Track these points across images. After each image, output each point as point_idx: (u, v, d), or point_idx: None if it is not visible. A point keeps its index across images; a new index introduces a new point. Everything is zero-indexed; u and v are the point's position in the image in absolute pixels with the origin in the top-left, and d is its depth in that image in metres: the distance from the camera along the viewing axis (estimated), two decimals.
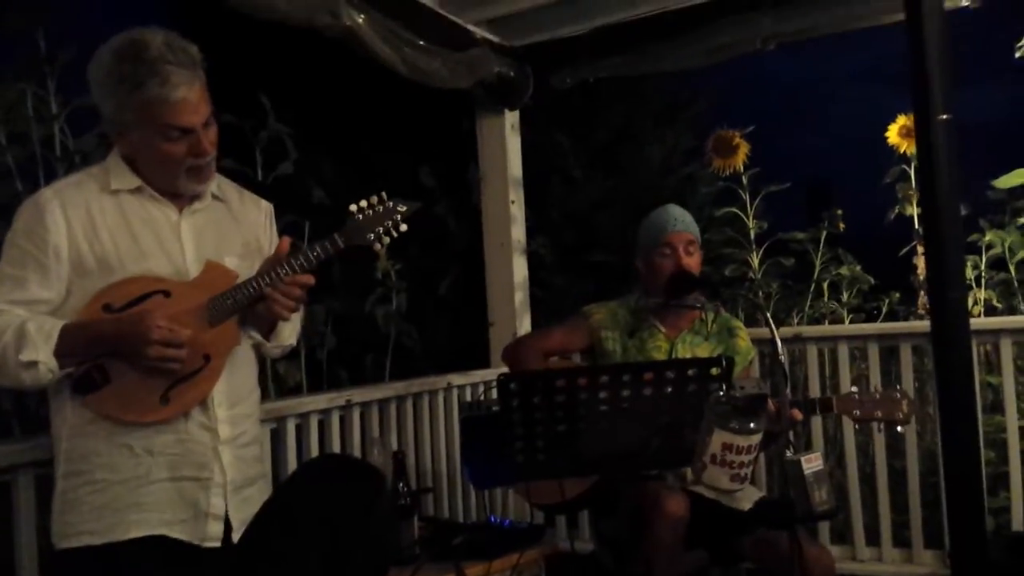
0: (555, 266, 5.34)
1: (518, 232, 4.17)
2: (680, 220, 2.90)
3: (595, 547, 2.95)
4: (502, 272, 4.13)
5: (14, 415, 2.72)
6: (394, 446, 3.38)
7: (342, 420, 3.22)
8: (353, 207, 2.02)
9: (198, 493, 1.96)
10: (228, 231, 2.11)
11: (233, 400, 2.03)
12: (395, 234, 2.05)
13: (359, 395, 3.30)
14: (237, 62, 5.04)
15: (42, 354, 1.82)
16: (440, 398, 3.70)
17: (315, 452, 3.05)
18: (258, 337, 2.13)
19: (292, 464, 2.96)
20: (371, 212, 2.02)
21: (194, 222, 2.05)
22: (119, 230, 1.95)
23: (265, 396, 3.39)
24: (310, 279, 1.99)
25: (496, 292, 4.15)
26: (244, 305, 1.97)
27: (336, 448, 3.14)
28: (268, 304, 1.97)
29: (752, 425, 1.91)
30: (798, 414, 2.62)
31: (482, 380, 3.88)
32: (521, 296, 4.14)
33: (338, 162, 5.06)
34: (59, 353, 1.84)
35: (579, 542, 3.42)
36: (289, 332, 2.22)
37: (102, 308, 1.89)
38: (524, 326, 4.12)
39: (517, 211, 4.17)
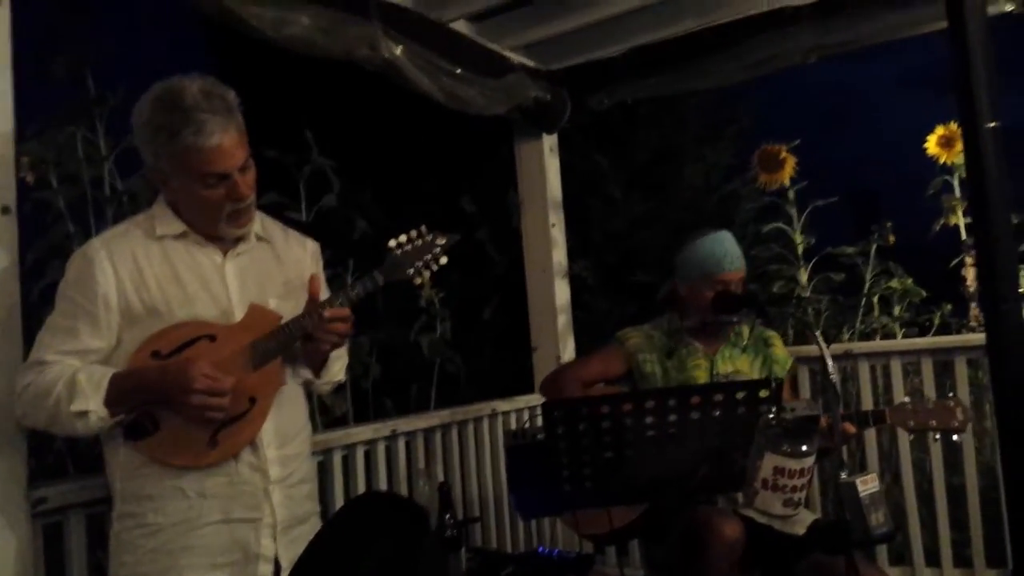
0: (597, 288, 5.31)
1: (559, 255, 4.16)
2: (737, 257, 2.86)
3: (646, 574, 2.91)
4: (544, 296, 4.12)
5: (67, 454, 2.77)
6: (440, 475, 3.38)
7: (388, 450, 3.22)
8: (392, 242, 2.04)
9: (248, 534, 1.97)
10: (272, 272, 2.13)
11: (282, 440, 2.04)
12: (435, 267, 2.06)
13: (404, 424, 3.30)
14: (279, 98, 5.14)
15: (92, 403, 1.86)
16: (485, 425, 3.69)
17: (361, 483, 3.06)
18: (309, 375, 2.14)
19: (339, 496, 2.96)
20: (410, 247, 2.03)
21: (238, 264, 2.07)
22: (166, 277, 1.99)
23: (312, 427, 3.42)
24: (347, 311, 2.00)
25: (538, 316, 4.13)
26: (288, 344, 1.99)
27: (383, 479, 3.15)
28: (315, 343, 2.00)
29: (804, 448, 1.87)
30: (851, 428, 2.57)
31: (526, 406, 3.86)
32: (564, 320, 4.12)
33: (380, 193, 5.10)
34: (109, 402, 1.88)
35: (629, 568, 3.38)
36: (339, 368, 2.24)
37: (151, 355, 1.93)
38: (567, 350, 4.10)
39: (558, 234, 4.16)
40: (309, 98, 5.14)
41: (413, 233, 2.05)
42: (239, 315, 2.01)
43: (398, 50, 3.11)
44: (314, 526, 2.13)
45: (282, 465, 2.03)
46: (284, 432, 2.05)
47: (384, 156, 5.67)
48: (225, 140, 1.91)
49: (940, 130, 3.83)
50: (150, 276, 1.98)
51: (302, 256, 2.23)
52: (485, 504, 3.61)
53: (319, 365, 2.15)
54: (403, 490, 3.18)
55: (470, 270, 5.19)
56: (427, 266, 2.05)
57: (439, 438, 3.46)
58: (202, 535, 1.93)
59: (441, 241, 2.05)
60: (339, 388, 3.76)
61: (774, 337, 3.00)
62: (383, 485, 3.15)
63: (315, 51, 2.82)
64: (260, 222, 2.15)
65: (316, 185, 3.62)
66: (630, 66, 3.83)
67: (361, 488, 3.05)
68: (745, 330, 2.94)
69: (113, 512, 1.99)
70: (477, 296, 5.21)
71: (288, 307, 2.05)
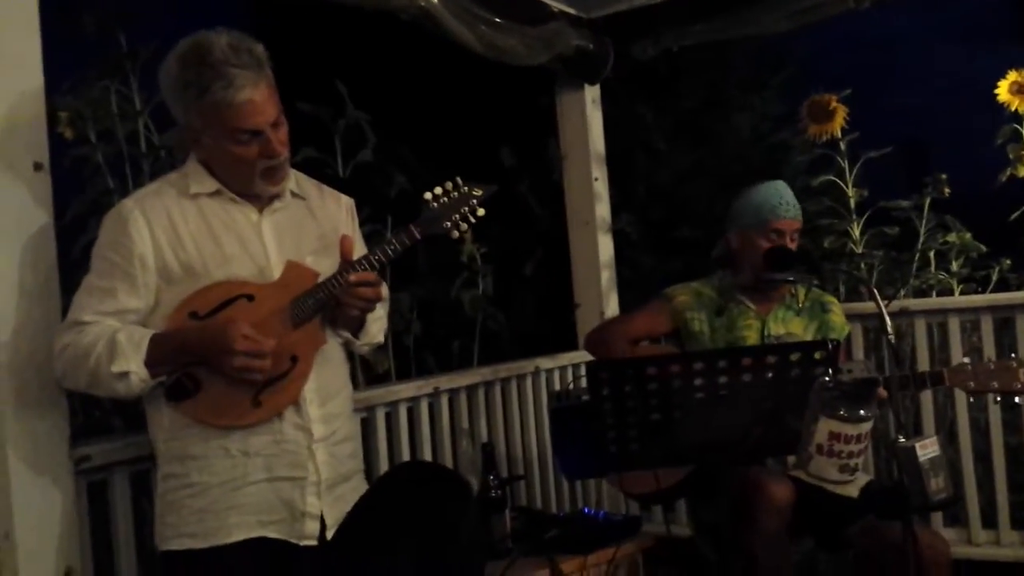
0: (642, 244, 5.20)
1: (602, 210, 4.07)
2: (793, 206, 2.77)
3: (694, 534, 2.86)
4: (587, 252, 4.04)
5: (114, 412, 2.77)
6: (483, 433, 3.35)
7: (431, 407, 3.19)
8: (428, 195, 1.98)
9: (293, 492, 1.96)
10: (308, 228, 2.09)
11: (324, 398, 2.01)
12: (473, 220, 2.00)
13: (446, 382, 3.27)
14: (313, 50, 5.06)
15: (133, 364, 1.84)
16: (528, 382, 3.64)
17: (405, 441, 3.04)
18: (347, 335, 2.11)
19: (383, 453, 2.95)
20: (446, 199, 1.98)
21: (275, 221, 2.03)
22: (202, 235, 1.95)
23: (354, 384, 3.40)
24: (372, 276, 1.96)
25: (581, 273, 4.06)
26: (326, 303, 1.95)
27: (426, 437, 3.13)
28: (343, 308, 1.96)
29: (862, 412, 1.80)
30: (884, 392, 2.46)
31: (570, 363, 3.82)
32: (608, 276, 4.05)
33: (417, 147, 5.02)
34: (149, 362, 1.85)
35: (676, 526, 3.34)
36: (377, 329, 2.20)
37: (188, 315, 1.90)
38: (611, 307, 4.03)
39: (601, 188, 4.07)
40: (343, 50, 5.05)
41: (449, 185, 1.99)
42: (277, 273, 1.97)
43: None
44: (357, 484, 2.12)
45: (325, 423, 2.01)
46: (326, 390, 2.02)
47: (421, 109, 5.58)
48: (256, 95, 1.86)
49: (1013, 75, 3.64)
50: (186, 235, 1.94)
51: (338, 212, 2.18)
52: (529, 462, 3.58)
53: (356, 327, 2.11)
54: (446, 448, 3.17)
55: (511, 224, 5.11)
56: (464, 219, 1.99)
57: (482, 396, 3.42)
58: (248, 493, 1.92)
59: (478, 192, 1.99)
60: (381, 345, 3.77)
61: (833, 303, 2.89)
62: (426, 443, 3.13)
63: (348, 1, 2.74)
64: (295, 179, 2.10)
65: (352, 140, 3.55)
66: (675, 13, 3.70)
67: (405, 446, 3.04)
68: (801, 292, 2.83)
69: (157, 473, 1.99)
70: (518, 251, 5.14)
71: (325, 264, 2.01)
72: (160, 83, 1.95)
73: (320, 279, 1.96)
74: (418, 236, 1.97)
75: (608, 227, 4.10)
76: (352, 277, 1.93)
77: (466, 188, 1.99)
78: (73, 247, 2.57)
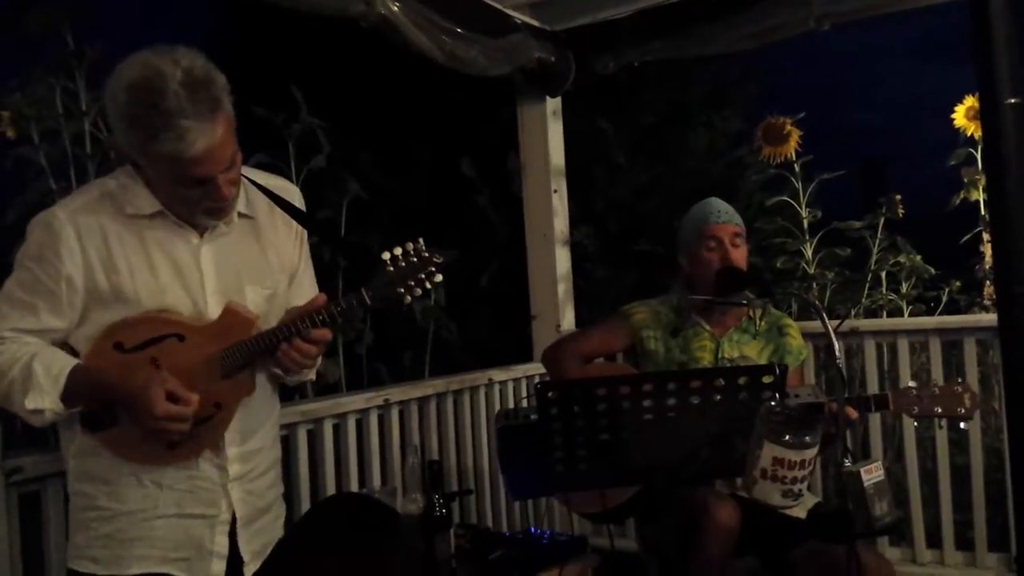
0: (599, 256, 5.22)
1: (560, 222, 4.06)
2: (724, 211, 2.79)
3: (641, 553, 2.85)
4: (544, 263, 4.03)
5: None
6: (434, 446, 3.32)
7: (380, 419, 3.15)
8: (386, 255, 1.85)
9: (203, 531, 1.89)
10: (252, 256, 1.98)
11: (246, 436, 1.94)
12: (428, 286, 1.88)
13: (397, 394, 3.23)
14: (269, 54, 5.01)
15: (48, 401, 1.76)
16: (481, 394, 3.62)
17: (353, 454, 2.99)
18: (278, 372, 2.02)
19: (330, 468, 2.90)
20: (404, 264, 1.85)
21: (216, 248, 1.92)
22: (137, 261, 1.85)
23: (303, 394, 3.35)
24: (327, 335, 1.87)
25: (538, 284, 4.05)
26: (258, 357, 1.87)
27: (375, 450, 3.09)
28: (280, 360, 1.88)
29: (807, 438, 1.79)
30: (853, 412, 2.48)
31: (524, 375, 3.80)
32: (564, 288, 4.04)
33: (376, 155, 4.98)
34: (66, 396, 1.77)
35: (625, 540, 3.33)
36: (310, 368, 2.08)
37: (113, 346, 1.81)
38: (567, 319, 4.02)
39: (559, 201, 4.06)
40: (300, 55, 5.00)
41: (410, 246, 1.86)
42: (212, 306, 1.88)
43: (395, 7, 2.99)
44: (277, 512, 2.06)
45: (243, 461, 1.94)
46: (249, 428, 1.95)
47: (380, 117, 5.54)
48: (210, 143, 1.71)
49: (970, 100, 3.69)
50: (120, 259, 1.83)
51: (286, 236, 2.05)
52: (480, 476, 3.56)
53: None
54: (395, 463, 3.12)
55: (469, 235, 5.09)
56: (420, 285, 1.87)
57: (434, 407, 3.39)
58: (156, 527, 1.86)
59: (438, 260, 1.87)
60: (332, 353, 3.72)
61: (791, 326, 2.88)
62: (375, 457, 3.09)
63: (306, 6, 2.71)
64: (245, 196, 1.97)
65: (307, 145, 3.51)
66: (637, 28, 3.70)
67: (353, 461, 3.00)
68: (758, 314, 2.84)
69: (69, 487, 1.92)
70: (475, 262, 5.12)
71: (264, 296, 1.94)
72: (105, 100, 1.79)
73: (256, 330, 1.87)
74: (368, 302, 1.87)
75: (566, 239, 4.09)
76: (313, 334, 1.84)
77: (427, 253, 1.86)
78: (13, 250, 2.50)
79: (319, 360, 2.04)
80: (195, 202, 1.82)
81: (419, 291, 1.88)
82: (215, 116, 1.72)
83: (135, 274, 1.84)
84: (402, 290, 1.86)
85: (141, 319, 1.82)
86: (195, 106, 1.68)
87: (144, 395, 1.74)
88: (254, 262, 1.97)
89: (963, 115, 3.74)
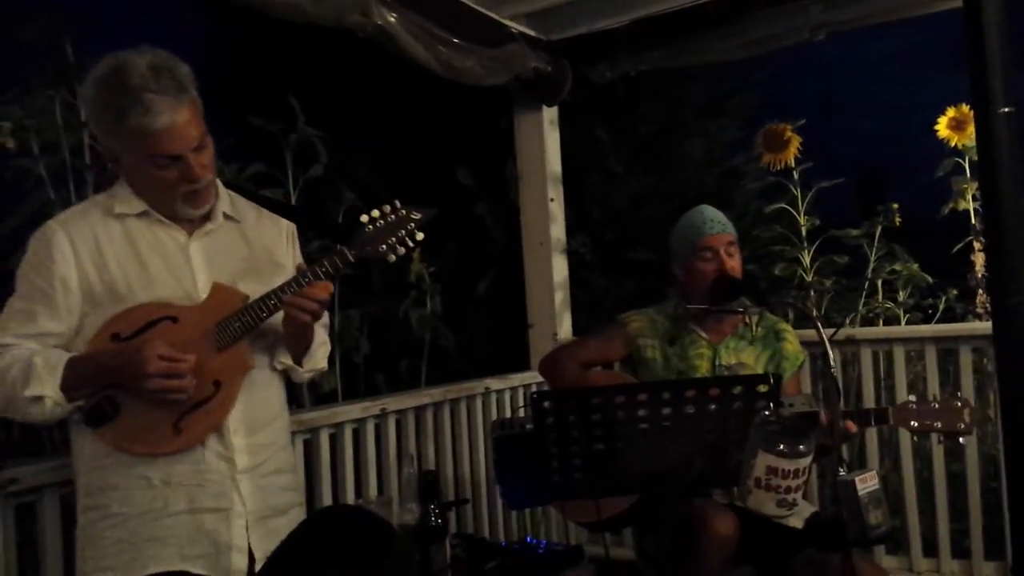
0: (596, 265, 5.22)
1: (557, 231, 4.08)
2: (717, 221, 2.78)
3: (638, 562, 2.85)
4: (541, 272, 4.05)
5: (47, 431, 2.70)
6: (431, 455, 3.32)
7: (377, 429, 3.16)
8: (364, 217, 1.93)
9: (219, 525, 1.90)
10: (240, 253, 2.03)
11: (252, 427, 1.96)
12: (411, 244, 1.95)
13: (394, 403, 3.23)
14: (266, 64, 5.02)
15: (48, 388, 1.79)
16: (478, 403, 3.63)
17: (349, 463, 3.00)
18: (289, 362, 2.06)
19: (326, 477, 2.90)
20: (383, 222, 1.92)
21: (205, 245, 1.99)
22: (127, 256, 1.91)
23: (300, 404, 3.35)
24: (328, 286, 1.91)
25: (535, 293, 4.06)
26: (253, 327, 1.90)
27: (372, 460, 3.09)
28: (289, 316, 1.91)
29: (801, 447, 1.79)
30: (852, 426, 2.48)
31: (521, 384, 3.81)
32: (561, 296, 4.05)
33: (374, 165, 4.99)
34: (65, 386, 1.81)
35: (623, 549, 3.33)
36: (322, 355, 2.16)
37: (110, 337, 1.85)
38: (564, 327, 4.03)
39: (556, 209, 4.08)
40: (298, 65, 5.01)
41: (387, 208, 1.93)
42: (203, 297, 1.92)
43: (392, 17, 3.01)
44: (294, 519, 2.06)
45: (251, 454, 1.95)
46: (254, 419, 1.97)
47: (378, 126, 5.56)
48: (176, 120, 1.81)
49: (951, 112, 3.73)
50: (111, 256, 1.90)
51: (276, 236, 2.12)
52: (477, 485, 3.56)
53: (302, 351, 2.06)
54: (392, 472, 3.12)
55: (466, 244, 5.10)
56: (401, 242, 1.93)
57: (431, 416, 3.39)
58: (167, 525, 1.86)
59: (416, 216, 1.93)
60: (328, 362, 3.72)
61: (788, 331, 2.88)
62: (372, 467, 3.09)
63: (303, 17, 2.72)
64: (231, 201, 2.05)
65: (304, 155, 3.53)
66: (633, 38, 3.72)
67: (349, 470, 3.00)
68: (754, 320, 2.84)
69: (78, 506, 1.93)
70: (473, 270, 5.13)
71: (256, 290, 1.96)
72: (80, 102, 1.93)
73: (249, 301, 1.91)
74: (351, 258, 1.92)
75: (563, 248, 4.11)
76: (301, 291, 1.88)
77: (404, 211, 1.93)
78: (11, 259, 2.51)
79: (328, 343, 2.14)
80: (171, 187, 1.88)
81: (402, 249, 1.94)
82: (180, 96, 1.82)
83: (126, 269, 1.89)
84: (384, 247, 1.92)
85: (134, 309, 1.87)
86: (159, 83, 1.79)
87: (137, 354, 1.77)
88: (244, 258, 2.02)
89: (945, 126, 3.76)
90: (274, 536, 1.97)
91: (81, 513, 1.91)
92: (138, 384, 1.78)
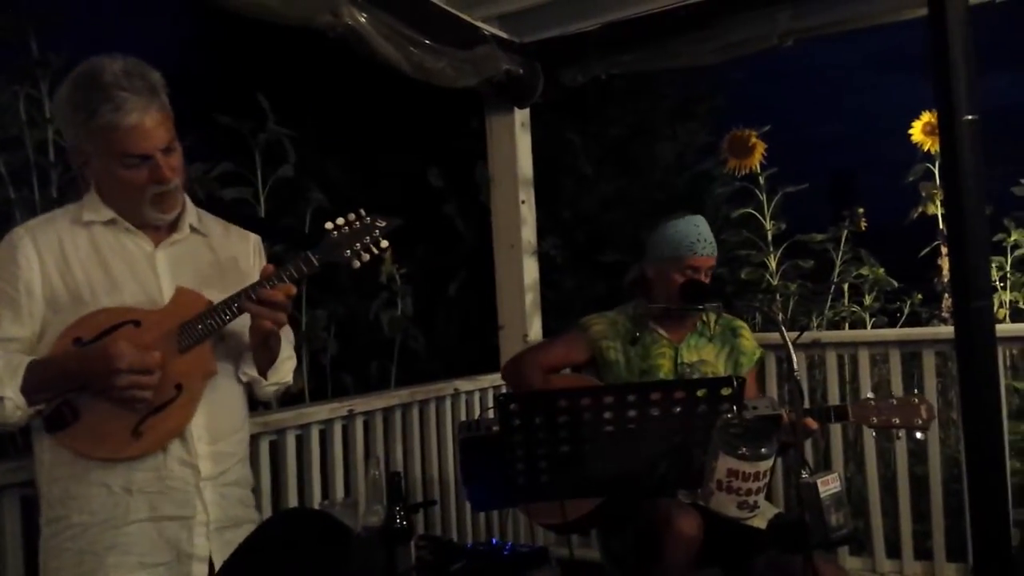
0: (566, 267, 5.24)
1: (528, 233, 4.08)
2: (710, 243, 2.79)
3: (604, 563, 2.86)
4: (512, 274, 4.05)
5: (10, 436, 2.65)
6: (399, 456, 3.31)
7: (344, 430, 3.15)
8: (329, 224, 1.95)
9: (180, 533, 1.89)
10: (205, 261, 2.03)
11: (215, 435, 1.95)
12: (375, 251, 1.97)
13: (362, 404, 3.23)
14: (237, 63, 4.98)
15: (8, 391, 1.77)
16: (447, 404, 3.63)
17: (316, 465, 2.98)
18: (253, 374, 2.04)
19: (292, 479, 2.89)
20: (347, 229, 1.95)
21: (170, 254, 1.98)
22: (91, 262, 1.90)
23: (266, 405, 3.33)
24: (292, 288, 1.92)
25: (506, 294, 4.06)
26: (216, 329, 1.90)
27: (339, 461, 3.08)
28: (254, 322, 1.91)
29: (763, 450, 1.81)
30: (812, 423, 2.52)
31: (490, 385, 3.81)
32: (531, 298, 4.06)
33: (343, 164, 4.97)
34: (26, 389, 1.78)
35: (587, 549, 3.34)
36: (287, 369, 2.15)
37: (72, 342, 1.83)
38: (534, 329, 4.04)
39: (527, 211, 4.08)
40: (268, 64, 4.98)
41: (351, 216, 1.96)
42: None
43: (362, 17, 3.00)
44: (246, 532, 2.02)
45: (214, 461, 1.94)
46: (217, 427, 1.95)
47: (349, 127, 5.54)
48: (146, 119, 1.83)
49: (926, 116, 3.77)
50: (75, 262, 1.89)
51: (243, 250, 2.13)
52: (445, 487, 3.56)
53: (267, 363, 2.05)
54: (359, 474, 3.11)
55: (437, 245, 5.10)
56: (366, 249, 1.95)
57: (399, 418, 3.39)
58: (128, 532, 1.84)
59: (381, 224, 1.96)
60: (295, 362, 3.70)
61: (743, 328, 2.94)
62: (339, 469, 3.08)
63: (273, 16, 2.70)
64: (198, 216, 2.06)
65: (273, 155, 3.50)
66: (604, 41, 3.74)
67: (316, 472, 2.98)
68: (712, 318, 2.88)
69: (41, 518, 1.91)
70: (443, 271, 5.12)
71: (220, 298, 1.93)
72: (53, 105, 1.93)
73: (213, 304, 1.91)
74: (316, 264, 1.94)
75: (533, 250, 4.12)
76: (263, 293, 1.88)
77: (368, 219, 1.96)
78: None
79: (294, 358, 2.15)
80: (140, 189, 1.88)
81: (367, 256, 1.96)
82: (151, 96, 1.85)
83: (90, 274, 1.89)
84: (348, 253, 1.94)
85: (96, 313, 1.86)
86: (131, 82, 1.82)
87: (105, 352, 1.77)
88: (210, 268, 2.02)
89: (920, 130, 3.81)
90: (230, 547, 1.96)
91: (44, 525, 1.89)
92: (107, 382, 1.77)
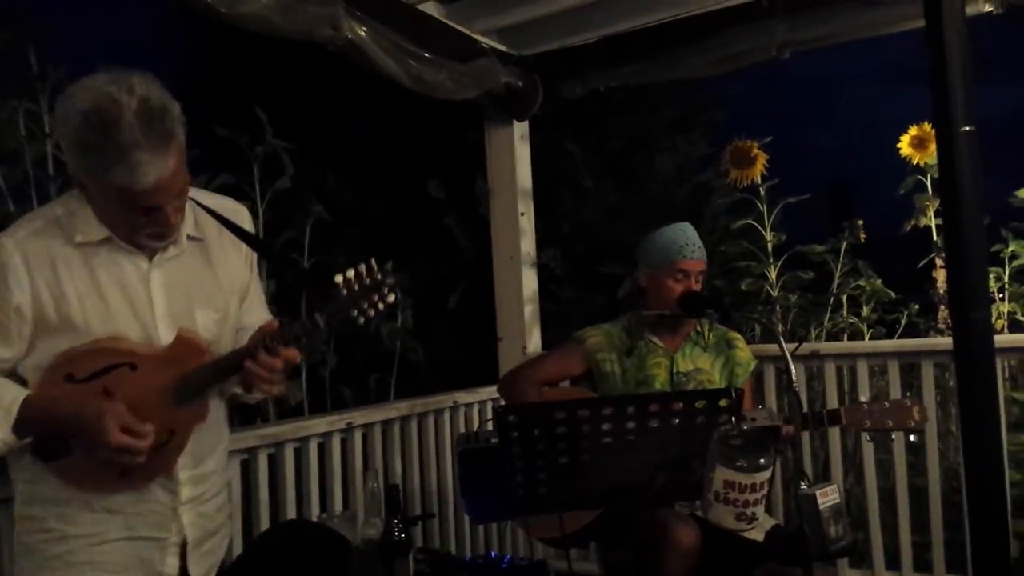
0: (565, 279, 5.24)
1: (527, 245, 4.09)
2: (698, 247, 2.83)
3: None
4: (511, 285, 4.05)
5: None
6: (398, 469, 3.30)
7: (343, 443, 3.14)
8: (339, 278, 1.82)
9: (153, 553, 1.89)
10: (202, 279, 1.97)
11: (197, 460, 1.94)
12: (382, 308, 1.86)
13: (361, 417, 3.22)
14: (235, 76, 5.00)
15: (0, 432, 1.75)
16: (446, 417, 3.62)
17: (314, 479, 2.97)
18: (238, 391, 2.00)
19: (291, 493, 2.88)
20: (358, 286, 1.82)
21: (166, 272, 1.91)
22: (85, 288, 1.83)
23: (265, 418, 3.33)
24: (295, 354, 1.85)
25: (505, 306, 4.07)
26: (214, 384, 1.88)
27: (337, 474, 3.07)
28: (248, 376, 1.85)
29: (761, 462, 1.81)
30: (789, 429, 2.51)
31: (489, 397, 3.80)
32: (531, 310, 4.06)
33: (344, 176, 4.97)
34: (18, 428, 1.76)
35: (586, 563, 3.33)
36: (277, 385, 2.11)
37: (64, 378, 1.79)
38: (534, 341, 4.04)
39: (526, 223, 4.09)
40: (267, 77, 5.00)
41: (362, 267, 1.83)
42: (162, 331, 1.87)
43: (362, 31, 3.01)
44: (225, 533, 2.06)
45: (195, 484, 1.93)
46: (201, 452, 1.94)
47: (348, 139, 5.55)
48: (161, 175, 1.70)
49: (913, 130, 3.79)
50: (69, 287, 1.82)
51: (236, 260, 2.05)
52: (444, 499, 3.55)
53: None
54: (358, 487, 3.10)
55: (436, 257, 5.10)
56: (373, 306, 1.84)
57: (398, 430, 3.38)
58: (105, 551, 1.84)
59: (391, 281, 1.84)
60: (295, 375, 3.69)
61: (738, 339, 2.97)
62: (337, 482, 3.07)
63: (272, 30, 2.70)
64: (194, 218, 1.96)
65: (272, 167, 3.51)
66: (603, 54, 3.76)
67: (314, 485, 2.98)
68: (706, 327, 2.90)
69: (15, 511, 1.89)
70: (443, 283, 5.12)
71: (215, 319, 1.93)
72: (56, 124, 1.81)
73: (208, 357, 1.87)
74: (322, 326, 1.85)
75: (533, 262, 4.12)
76: (247, 363, 1.82)
77: (379, 275, 1.83)
78: None
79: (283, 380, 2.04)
80: (140, 227, 1.81)
81: (372, 312, 1.86)
82: (168, 147, 1.71)
83: (84, 302, 1.82)
84: (355, 312, 1.84)
85: (90, 350, 1.80)
86: (149, 138, 1.67)
87: (98, 422, 1.72)
88: (204, 285, 1.96)
89: (908, 144, 3.83)
90: (209, 555, 1.98)
91: (20, 519, 1.88)
92: (94, 447, 1.74)
